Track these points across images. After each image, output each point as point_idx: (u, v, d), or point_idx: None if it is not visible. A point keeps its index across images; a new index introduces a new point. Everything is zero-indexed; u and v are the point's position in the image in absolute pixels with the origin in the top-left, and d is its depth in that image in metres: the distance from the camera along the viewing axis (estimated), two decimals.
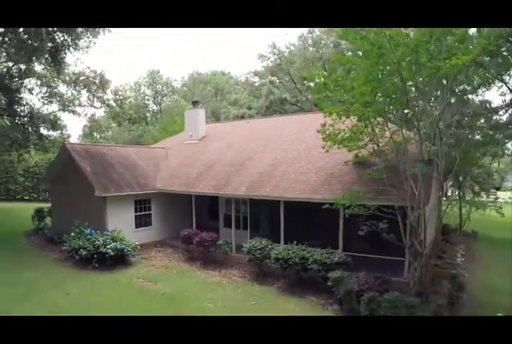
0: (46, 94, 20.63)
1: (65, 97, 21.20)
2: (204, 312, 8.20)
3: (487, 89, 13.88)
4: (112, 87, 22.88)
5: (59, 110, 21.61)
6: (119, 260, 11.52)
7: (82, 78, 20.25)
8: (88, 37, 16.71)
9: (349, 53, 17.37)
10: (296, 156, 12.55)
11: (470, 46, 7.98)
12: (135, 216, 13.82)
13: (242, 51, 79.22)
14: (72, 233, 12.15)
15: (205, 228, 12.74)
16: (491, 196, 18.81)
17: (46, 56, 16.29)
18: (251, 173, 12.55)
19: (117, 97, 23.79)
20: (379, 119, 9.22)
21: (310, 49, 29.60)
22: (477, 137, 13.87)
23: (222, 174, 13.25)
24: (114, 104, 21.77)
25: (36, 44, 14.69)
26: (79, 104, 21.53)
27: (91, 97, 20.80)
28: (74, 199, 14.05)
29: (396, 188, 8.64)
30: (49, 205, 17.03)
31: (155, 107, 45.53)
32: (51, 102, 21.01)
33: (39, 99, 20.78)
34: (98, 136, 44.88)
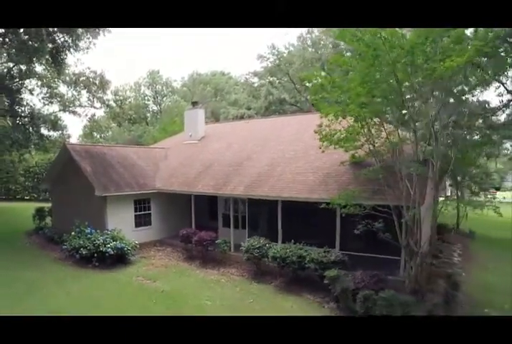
0: (47, 95, 20.76)
1: (65, 97, 21.32)
2: (202, 310, 8.35)
3: (485, 90, 14.01)
4: (112, 87, 23.08)
5: (60, 111, 21.73)
6: (119, 259, 11.66)
7: (82, 79, 20.38)
8: (88, 38, 16.86)
9: (348, 54, 17.51)
10: (294, 156, 12.68)
11: (469, 47, 8.07)
12: (135, 215, 13.95)
13: (241, 51, 79.37)
14: (73, 233, 12.28)
15: (204, 227, 12.88)
16: (489, 196, 18.91)
17: (47, 57, 16.43)
18: (249, 173, 12.68)
19: (117, 97, 23.93)
20: (376, 119, 9.35)
21: (309, 49, 29.76)
22: (475, 137, 13.99)
23: (221, 174, 13.39)
24: (114, 104, 21.94)
25: (36, 45, 14.81)
26: (80, 105, 21.67)
27: (91, 98, 20.95)
28: (75, 199, 14.18)
29: (392, 187, 8.77)
30: (49, 205, 17.16)
31: (155, 108, 45.68)
32: (51, 103, 21.15)
33: (39, 100, 20.95)
34: (98, 136, 45.01)
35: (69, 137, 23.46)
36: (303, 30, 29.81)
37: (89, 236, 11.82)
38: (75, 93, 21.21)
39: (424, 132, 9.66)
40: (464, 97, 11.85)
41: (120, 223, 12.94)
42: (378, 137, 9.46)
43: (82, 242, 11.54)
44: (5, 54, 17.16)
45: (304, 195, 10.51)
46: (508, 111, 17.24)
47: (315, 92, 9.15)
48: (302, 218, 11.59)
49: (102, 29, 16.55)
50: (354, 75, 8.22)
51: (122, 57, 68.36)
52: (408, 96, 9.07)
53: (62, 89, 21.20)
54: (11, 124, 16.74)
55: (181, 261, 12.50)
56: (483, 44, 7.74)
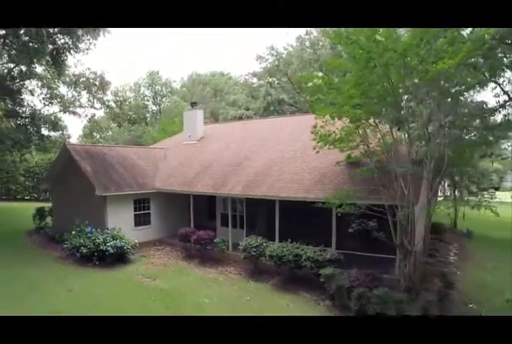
0: (47, 96, 20.92)
1: (66, 98, 21.49)
2: (201, 307, 8.52)
3: (482, 90, 14.15)
4: (112, 88, 23.22)
5: (60, 111, 21.89)
6: (119, 258, 11.82)
7: (82, 79, 20.56)
8: (88, 39, 17.03)
9: (345, 55, 17.64)
10: (292, 156, 12.85)
11: (463, 49, 8.20)
12: (135, 215, 14.12)
13: (241, 52, 79.56)
14: (73, 232, 12.43)
15: (203, 227, 13.05)
16: (486, 196, 19.05)
17: (48, 58, 16.61)
18: (247, 173, 12.85)
19: (117, 98, 24.05)
20: (371, 120, 9.51)
21: (308, 50, 29.93)
22: (472, 137, 14.14)
23: (220, 174, 13.55)
24: (114, 105, 22.06)
25: (37, 46, 14.98)
26: (80, 106, 21.84)
27: (91, 99, 21.13)
28: (75, 198, 14.35)
29: (387, 187, 8.93)
30: (49, 204, 17.31)
31: (154, 108, 45.82)
32: (52, 103, 21.31)
33: (40, 101, 21.12)
34: (98, 136, 45.18)
35: (69, 137, 23.68)
36: (302, 31, 30.05)
37: (89, 235, 11.98)
38: (75, 94, 21.43)
39: (420, 132, 9.83)
40: (459, 98, 12.01)
41: (120, 223, 13.10)
42: (374, 137, 9.64)
43: (82, 241, 11.70)
44: (5, 55, 17.34)
45: (301, 194, 10.68)
46: (504, 112, 17.41)
47: (312, 93, 9.31)
48: (300, 218, 11.75)
49: (102, 30, 16.72)
50: (348, 77, 8.39)
51: (122, 57, 68.58)
52: (402, 97, 9.24)
53: (63, 89, 21.42)
54: (14, 126, 16.93)
55: (180, 260, 12.66)
56: (474, 47, 7.89)
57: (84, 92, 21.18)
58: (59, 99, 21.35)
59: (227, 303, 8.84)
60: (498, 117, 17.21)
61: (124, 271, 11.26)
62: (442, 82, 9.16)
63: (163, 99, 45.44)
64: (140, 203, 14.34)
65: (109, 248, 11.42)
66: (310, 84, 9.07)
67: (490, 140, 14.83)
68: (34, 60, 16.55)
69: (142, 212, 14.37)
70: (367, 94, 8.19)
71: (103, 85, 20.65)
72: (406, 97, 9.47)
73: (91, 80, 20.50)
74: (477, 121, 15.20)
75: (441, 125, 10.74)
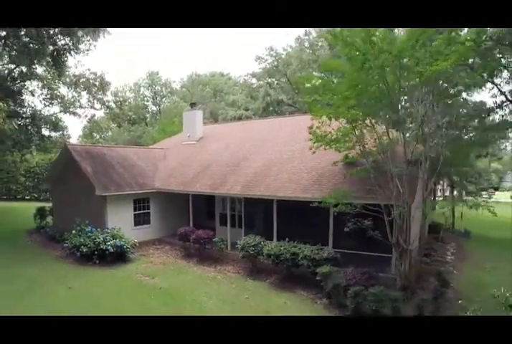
0: (48, 96, 21.06)
1: (66, 98, 21.61)
2: (199, 305, 8.66)
3: (478, 91, 14.27)
4: (112, 88, 23.33)
5: (60, 112, 22.02)
6: (118, 257, 11.96)
7: (82, 80, 20.67)
8: (88, 40, 17.15)
9: (343, 57, 17.75)
10: (290, 157, 12.98)
11: (457, 50, 8.30)
12: (134, 214, 14.26)
13: (241, 52, 79.74)
14: (73, 231, 12.57)
15: (202, 226, 13.18)
16: (484, 196, 19.14)
17: (48, 59, 16.74)
18: (246, 173, 12.98)
19: (117, 98, 24.15)
20: (367, 121, 9.63)
21: (307, 51, 30.06)
22: (469, 138, 14.26)
23: (218, 174, 13.69)
24: (114, 105, 22.17)
25: (37, 47, 15.11)
26: (80, 106, 21.94)
27: (91, 99, 21.23)
28: (75, 198, 14.49)
29: (382, 187, 9.06)
30: (49, 204, 17.46)
31: (154, 108, 45.95)
32: (52, 104, 21.44)
33: (40, 101, 21.26)
34: (98, 137, 45.31)
35: (69, 137, 23.75)
36: (301, 32, 30.18)
37: (89, 234, 12.12)
38: (75, 94, 21.55)
39: (415, 133, 9.96)
40: (455, 99, 12.14)
41: (120, 222, 13.24)
42: (372, 138, 9.76)
43: (82, 240, 11.83)
44: (6, 56, 17.48)
45: (298, 194, 10.81)
46: (501, 112, 17.55)
47: (308, 94, 9.44)
48: (297, 217, 11.88)
49: (102, 31, 16.84)
50: (344, 79, 8.52)
51: (121, 58, 68.94)
52: (398, 98, 9.37)
53: (63, 90, 21.47)
54: (17, 127, 17.07)
55: (179, 259, 12.80)
56: (467, 49, 8.02)
57: (84, 93, 21.31)
58: (59, 100, 21.47)
59: (225, 301, 8.97)
60: (496, 117, 17.39)
61: (124, 269, 11.40)
62: (438, 83, 9.28)
63: (163, 99, 45.59)
64: (140, 203, 14.48)
65: (109, 247, 11.55)
66: (308, 84, 9.20)
67: (486, 140, 14.97)
68: (35, 61, 16.66)
69: (141, 212, 14.50)
70: (363, 95, 8.31)
71: (103, 86, 20.76)
72: (402, 97, 9.61)
73: (91, 81, 20.62)
74: (475, 121, 15.34)
75: (438, 125, 10.88)
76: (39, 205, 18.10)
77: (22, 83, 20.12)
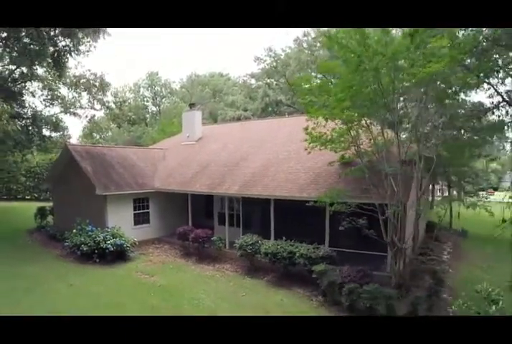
0: (48, 97, 21.25)
1: (66, 99, 21.79)
2: (197, 302, 8.82)
3: (474, 92, 14.41)
4: (112, 89, 23.45)
5: (61, 112, 22.21)
6: (118, 255, 12.14)
7: (82, 81, 20.81)
8: (89, 41, 17.32)
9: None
10: (287, 157, 13.16)
11: (450, 53, 8.44)
12: (134, 214, 14.44)
13: (241, 52, 79.93)
14: (74, 230, 12.74)
15: (201, 226, 13.35)
16: (481, 196, 19.25)
17: (49, 60, 16.91)
18: (244, 173, 13.15)
19: (116, 99, 24.26)
20: (363, 122, 9.79)
21: (306, 51, 30.23)
22: (466, 138, 14.41)
23: (217, 174, 13.86)
24: (114, 106, 22.32)
25: (38, 48, 15.27)
26: (80, 107, 22.11)
27: (91, 100, 21.37)
28: (76, 198, 14.66)
29: (377, 187, 9.23)
30: (50, 204, 17.64)
31: (154, 109, 46.13)
32: (52, 105, 21.63)
33: (41, 102, 21.46)
34: (98, 137, 45.49)
35: (69, 138, 23.94)
36: (299, 33, 30.38)
37: (90, 233, 12.29)
38: (76, 95, 21.71)
39: (410, 133, 10.12)
40: (451, 99, 12.28)
41: (120, 222, 13.41)
42: (368, 138, 9.91)
43: (83, 239, 12.00)
44: (7, 57, 17.65)
45: (295, 194, 10.98)
46: (498, 112, 17.70)
47: (304, 95, 9.61)
48: (294, 217, 12.05)
49: (102, 32, 17.01)
50: (338, 80, 8.68)
51: (121, 58, 69.13)
52: (393, 99, 9.52)
53: (63, 91, 21.63)
54: (19, 128, 17.27)
55: (178, 257, 12.97)
56: (461, 51, 8.19)
57: (84, 94, 21.46)
58: (59, 101, 21.65)
59: (223, 298, 9.14)
60: (493, 118, 17.52)
61: (124, 268, 11.57)
62: (433, 84, 9.43)
63: (163, 100, 45.77)
64: (140, 203, 14.65)
65: (109, 246, 11.73)
66: (307, 85, 9.35)
67: (485, 140, 15.10)
68: (35, 62, 16.84)
69: (141, 211, 14.68)
70: (357, 96, 8.47)
71: (103, 86, 20.91)
72: (397, 99, 9.76)
73: (91, 81, 20.76)
74: (473, 122, 15.48)
75: (435, 125, 11.04)
76: (39, 205, 18.29)
77: (23, 84, 20.32)
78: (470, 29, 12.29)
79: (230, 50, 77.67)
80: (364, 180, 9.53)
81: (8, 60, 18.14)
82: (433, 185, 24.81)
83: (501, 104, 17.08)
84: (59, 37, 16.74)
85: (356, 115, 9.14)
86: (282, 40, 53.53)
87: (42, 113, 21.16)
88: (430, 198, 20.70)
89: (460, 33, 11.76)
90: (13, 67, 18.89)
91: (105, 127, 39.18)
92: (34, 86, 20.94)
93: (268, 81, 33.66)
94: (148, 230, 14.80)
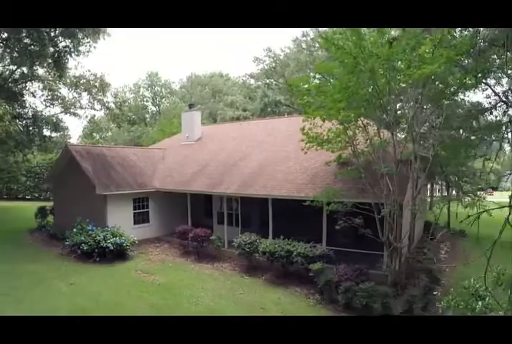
0: (49, 98, 21.39)
1: (67, 99, 21.92)
2: (196, 300, 8.96)
3: (471, 92, 14.50)
4: (111, 89, 23.50)
5: (61, 113, 22.35)
6: (118, 254, 12.27)
7: (82, 81, 20.95)
8: (88, 42, 17.46)
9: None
10: (285, 157, 13.29)
11: (444, 54, 8.54)
12: (134, 213, 14.57)
13: (241, 52, 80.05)
14: (74, 230, 12.86)
15: (200, 225, 13.44)
16: (479, 196, 19.33)
17: (49, 60, 17.05)
18: (242, 172, 13.29)
19: (116, 99, 24.27)
20: (359, 122, 9.92)
21: (304, 52, 30.36)
22: (463, 138, 14.52)
23: (216, 174, 13.99)
24: (114, 106, 22.38)
25: (38, 49, 15.41)
26: (80, 107, 22.24)
27: (91, 100, 21.50)
28: (76, 197, 14.79)
29: (373, 186, 9.35)
30: (50, 204, 17.77)
31: (153, 109, 46.23)
32: (53, 105, 21.77)
33: (41, 102, 21.60)
34: (98, 137, 45.63)
35: (69, 138, 24.10)
36: (298, 33, 30.49)
37: (90, 232, 12.41)
38: (76, 95, 21.84)
39: (406, 133, 10.23)
40: (449, 100, 12.38)
41: (120, 221, 13.53)
42: (364, 138, 10.04)
43: (83, 238, 12.13)
44: (7, 57, 17.79)
45: (292, 193, 11.11)
46: (495, 112, 17.81)
47: (301, 96, 9.73)
48: (292, 216, 12.19)
49: (102, 32, 17.16)
50: (335, 82, 8.81)
51: (121, 58, 69.16)
52: (389, 100, 9.64)
53: (63, 91, 21.75)
54: (21, 128, 17.40)
55: (177, 256, 13.11)
56: (454, 53, 8.30)
57: (84, 94, 21.58)
58: (60, 101, 21.78)
59: (222, 296, 9.28)
60: (490, 118, 17.62)
61: (123, 267, 11.71)
62: (429, 85, 9.55)
63: (163, 100, 45.86)
64: (139, 202, 14.79)
65: (109, 245, 11.86)
66: (306, 85, 9.47)
67: (477, 140, 15.20)
68: (36, 63, 16.98)
69: (141, 211, 14.81)
70: (353, 97, 8.58)
71: (103, 87, 21.03)
72: (392, 99, 9.88)
73: (91, 82, 20.89)
74: (471, 122, 15.59)
75: (432, 126, 11.15)
76: (39, 204, 18.39)
77: (23, 84, 20.45)
78: (468, 29, 12.42)
79: (229, 50, 77.85)
80: (361, 180, 9.66)
81: (8, 60, 18.30)
82: (432, 185, 24.87)
83: (498, 104, 17.21)
84: (60, 38, 16.90)
85: (353, 115, 9.26)
86: (282, 40, 53.69)
87: (43, 113, 21.31)
88: (429, 198, 20.81)
89: (457, 34, 11.88)
90: (14, 68, 19.03)
91: (105, 127, 39.39)
92: (34, 86, 21.13)
93: (267, 81, 33.80)
94: (147, 229, 14.93)
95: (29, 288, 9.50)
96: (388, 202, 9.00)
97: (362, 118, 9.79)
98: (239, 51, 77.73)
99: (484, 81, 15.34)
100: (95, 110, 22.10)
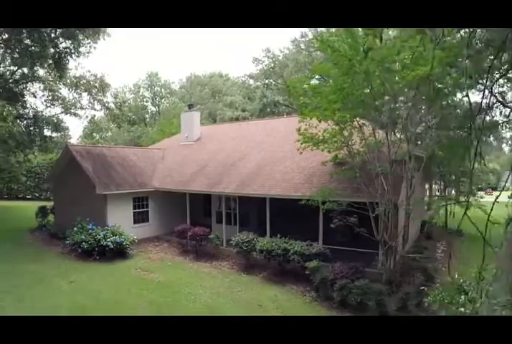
0: (49, 98, 21.53)
1: (67, 100, 22.06)
2: (195, 297, 9.13)
3: (471, 92, 14.63)
4: (111, 89, 23.62)
5: (62, 113, 22.50)
6: (118, 253, 12.44)
7: (83, 82, 21.07)
8: (89, 43, 17.61)
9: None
10: (283, 157, 13.47)
11: (437, 55, 8.68)
12: (134, 212, 14.76)
13: (241, 52, 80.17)
14: (75, 229, 13.03)
15: (199, 224, 13.64)
16: (477, 196, 19.51)
17: (50, 61, 17.21)
18: (241, 172, 13.46)
19: (116, 99, 24.35)
20: (355, 123, 10.08)
21: (303, 52, 30.53)
22: (460, 138, 14.67)
23: (214, 173, 14.17)
24: (113, 106, 22.50)
25: (39, 50, 15.56)
26: (81, 107, 22.35)
27: (91, 100, 21.62)
28: (76, 197, 14.96)
29: (368, 186, 9.52)
30: (50, 203, 17.94)
31: (153, 109, 46.41)
32: (53, 105, 21.91)
33: (42, 103, 21.73)
34: (98, 137, 45.80)
35: (70, 138, 24.26)
36: (297, 34, 30.66)
37: (90, 231, 12.58)
38: (76, 96, 21.94)
39: (402, 133, 10.38)
40: (445, 100, 12.52)
41: (120, 220, 13.71)
42: (359, 139, 10.19)
43: (83, 237, 12.30)
44: (8, 58, 17.95)
45: (290, 193, 11.28)
46: (492, 113, 17.96)
47: (298, 97, 9.90)
48: (289, 215, 12.36)
49: (102, 33, 17.32)
50: (330, 83, 8.97)
51: (121, 58, 69.29)
52: (383, 101, 9.80)
53: (64, 92, 21.87)
54: (23, 128, 17.56)
55: (177, 255, 13.28)
56: (446, 54, 8.45)
57: (84, 94, 21.68)
58: (60, 101, 21.92)
59: (220, 294, 9.45)
60: (488, 118, 17.78)
61: (123, 265, 11.87)
62: (424, 85, 9.68)
63: (162, 100, 46.03)
64: (139, 202, 14.96)
65: (109, 243, 12.04)
66: (304, 86, 9.63)
67: (474, 140, 15.34)
68: (37, 63, 17.13)
69: (140, 210, 15.00)
70: (348, 98, 8.74)
71: (103, 87, 21.16)
72: (387, 100, 10.03)
73: (91, 82, 21.02)
74: (467, 121, 15.73)
75: (429, 126, 11.28)
76: (40, 204, 18.56)
77: (24, 85, 20.60)
78: (463, 30, 12.56)
79: (230, 50, 77.97)
80: (356, 179, 9.82)
81: (9, 61, 18.46)
82: (430, 186, 24.99)
83: (495, 104, 17.36)
84: (60, 39, 17.05)
85: (348, 116, 9.42)
86: (282, 40, 53.82)
87: (43, 114, 21.45)
88: (428, 198, 20.94)
89: (450, 36, 12.01)
90: (15, 68, 19.19)
91: (105, 127, 39.54)
92: (35, 87, 21.24)
93: (266, 82, 33.97)
94: (147, 228, 15.11)
95: (30, 286, 9.67)
96: (382, 201, 9.17)
97: (358, 119, 9.96)
98: (239, 52, 77.98)
99: (480, 81, 15.51)
100: (95, 110, 22.23)
